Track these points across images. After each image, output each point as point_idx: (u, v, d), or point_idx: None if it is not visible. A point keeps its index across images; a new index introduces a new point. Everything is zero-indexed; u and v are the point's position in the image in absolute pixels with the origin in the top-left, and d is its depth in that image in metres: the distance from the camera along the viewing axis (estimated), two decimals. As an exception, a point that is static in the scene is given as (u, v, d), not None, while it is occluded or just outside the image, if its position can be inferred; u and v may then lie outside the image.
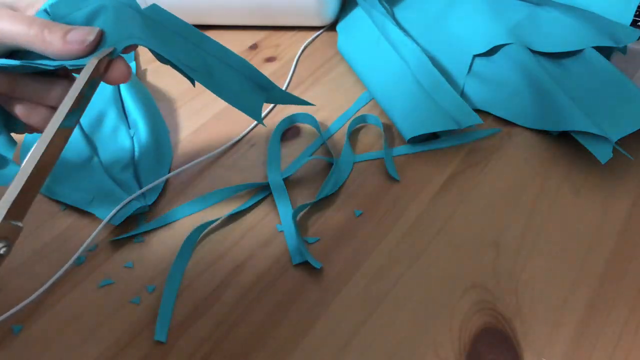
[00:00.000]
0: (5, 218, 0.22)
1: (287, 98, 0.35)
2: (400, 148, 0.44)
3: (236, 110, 0.49)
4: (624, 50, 0.48)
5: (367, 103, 0.49)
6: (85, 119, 0.47)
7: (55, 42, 0.26)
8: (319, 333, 0.32)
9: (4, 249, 0.22)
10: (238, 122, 0.48)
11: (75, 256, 0.36)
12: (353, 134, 0.45)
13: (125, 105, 0.48)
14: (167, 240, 0.38)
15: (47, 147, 0.24)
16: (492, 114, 0.46)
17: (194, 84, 0.37)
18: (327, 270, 0.35)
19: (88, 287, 0.35)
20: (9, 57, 0.28)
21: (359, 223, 0.38)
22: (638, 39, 0.46)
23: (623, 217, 0.37)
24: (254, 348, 0.32)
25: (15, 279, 0.36)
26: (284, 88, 0.51)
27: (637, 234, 0.36)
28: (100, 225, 0.37)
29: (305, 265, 0.36)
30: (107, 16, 0.28)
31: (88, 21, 0.27)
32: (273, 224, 0.39)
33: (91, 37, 0.26)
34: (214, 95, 0.51)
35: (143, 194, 0.40)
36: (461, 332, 0.31)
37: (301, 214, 0.39)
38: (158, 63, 0.55)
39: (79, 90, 0.25)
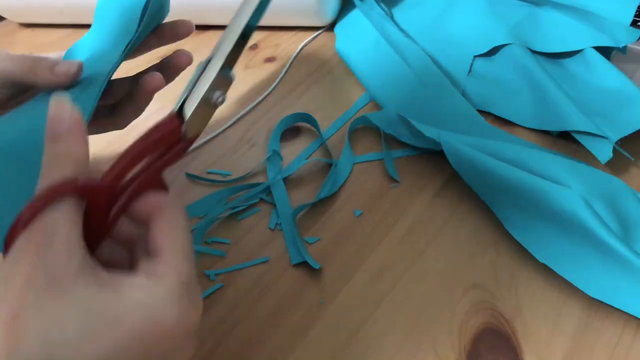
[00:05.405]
0: (221, 69, 0.23)
1: None
2: (400, 149, 0.44)
3: (235, 110, 0.49)
4: (624, 50, 0.48)
5: (366, 104, 0.49)
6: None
7: (42, 74, 0.31)
8: (319, 333, 0.32)
9: (220, 98, 0.24)
10: (238, 122, 0.48)
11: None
12: (353, 135, 0.45)
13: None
14: (167, 240, 0.38)
15: (253, 13, 0.24)
16: (492, 114, 0.46)
17: None
18: (326, 270, 0.35)
19: (88, 287, 0.35)
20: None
21: (359, 223, 0.38)
22: (638, 39, 0.46)
23: (623, 217, 0.37)
24: (254, 348, 0.32)
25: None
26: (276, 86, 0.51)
27: (637, 234, 0.36)
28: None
29: (304, 265, 0.36)
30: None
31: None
32: (273, 224, 0.39)
33: (73, 69, 0.31)
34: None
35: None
36: (461, 332, 0.31)
37: (301, 214, 0.39)
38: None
39: None
